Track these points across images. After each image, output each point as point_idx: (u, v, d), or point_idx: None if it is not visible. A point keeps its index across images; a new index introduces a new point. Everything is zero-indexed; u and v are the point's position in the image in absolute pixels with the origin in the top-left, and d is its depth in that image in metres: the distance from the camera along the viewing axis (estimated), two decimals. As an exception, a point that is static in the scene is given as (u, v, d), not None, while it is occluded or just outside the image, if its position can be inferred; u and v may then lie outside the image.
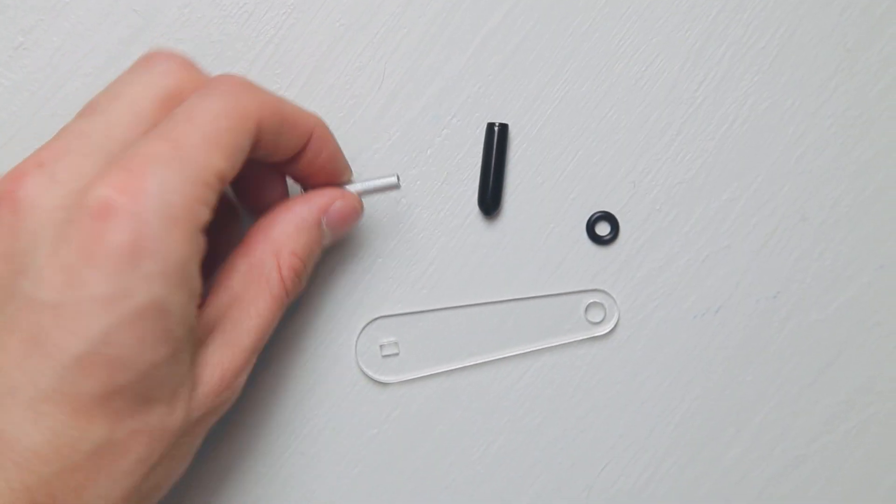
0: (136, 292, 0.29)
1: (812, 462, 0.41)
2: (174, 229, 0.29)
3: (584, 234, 0.41)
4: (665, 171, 0.42)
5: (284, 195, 0.38)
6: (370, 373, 0.41)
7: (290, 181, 0.38)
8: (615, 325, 0.41)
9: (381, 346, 0.41)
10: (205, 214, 0.31)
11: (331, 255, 0.41)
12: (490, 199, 0.41)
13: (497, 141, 0.41)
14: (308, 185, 0.37)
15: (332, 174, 0.37)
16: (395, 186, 0.38)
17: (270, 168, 0.37)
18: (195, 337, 0.32)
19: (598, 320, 0.41)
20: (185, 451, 0.34)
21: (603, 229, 0.42)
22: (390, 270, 0.41)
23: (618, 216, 0.41)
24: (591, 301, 0.41)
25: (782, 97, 0.42)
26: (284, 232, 0.35)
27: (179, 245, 0.30)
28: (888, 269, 0.41)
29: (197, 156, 0.31)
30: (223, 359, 0.33)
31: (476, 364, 0.41)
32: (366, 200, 0.39)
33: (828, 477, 0.41)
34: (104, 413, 0.29)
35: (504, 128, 0.41)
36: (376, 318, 0.41)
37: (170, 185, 0.30)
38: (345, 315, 0.41)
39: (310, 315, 0.41)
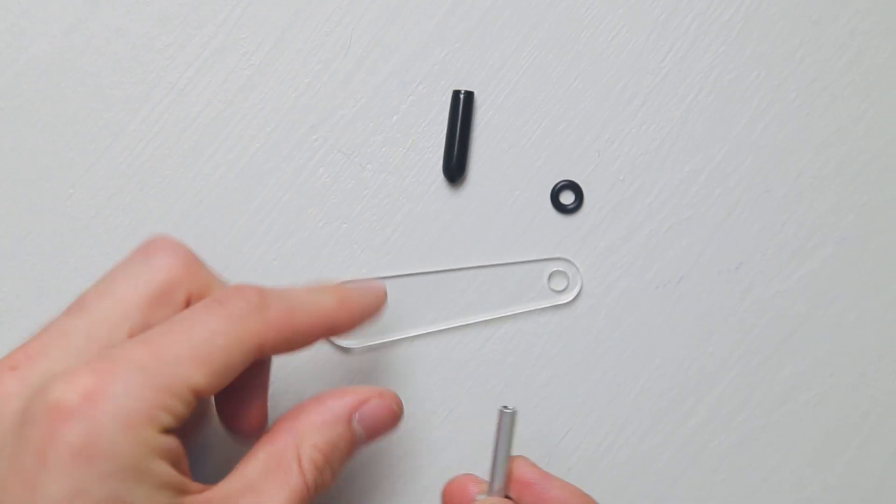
0: (92, 491, 0.29)
1: (772, 432, 0.41)
2: (128, 433, 0.29)
3: (549, 203, 0.42)
4: (630, 141, 0.42)
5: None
6: (333, 338, 0.41)
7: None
8: (578, 294, 0.42)
9: (344, 311, 0.41)
10: (168, 421, 0.30)
11: (294, 221, 0.41)
12: (455, 167, 0.41)
13: (462, 108, 0.41)
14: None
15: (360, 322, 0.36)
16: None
17: None
18: None
19: (560, 289, 0.42)
20: None
21: (567, 198, 0.42)
22: (355, 235, 0.42)
23: (582, 185, 0.42)
24: (554, 270, 0.42)
25: (747, 69, 0.42)
26: (310, 423, 0.34)
27: (133, 447, 0.29)
28: (850, 242, 0.42)
29: (175, 369, 0.30)
30: None
31: (439, 330, 0.42)
32: (319, 166, 0.39)
33: (787, 447, 0.41)
34: None
35: (469, 95, 0.41)
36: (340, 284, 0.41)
37: (133, 391, 0.29)
38: (309, 280, 0.41)
39: (272, 281, 0.41)
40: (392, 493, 0.41)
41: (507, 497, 0.34)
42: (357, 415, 0.35)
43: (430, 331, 0.42)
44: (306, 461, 0.33)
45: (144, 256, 0.34)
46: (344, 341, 0.41)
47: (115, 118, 0.42)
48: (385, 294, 0.37)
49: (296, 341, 0.34)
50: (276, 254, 0.41)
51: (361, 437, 0.35)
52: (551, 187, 0.42)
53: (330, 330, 0.35)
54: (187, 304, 0.33)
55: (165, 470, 0.30)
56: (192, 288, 0.34)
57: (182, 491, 0.31)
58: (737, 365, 0.42)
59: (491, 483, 0.34)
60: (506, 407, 0.34)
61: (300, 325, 0.33)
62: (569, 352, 0.42)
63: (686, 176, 0.42)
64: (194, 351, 0.31)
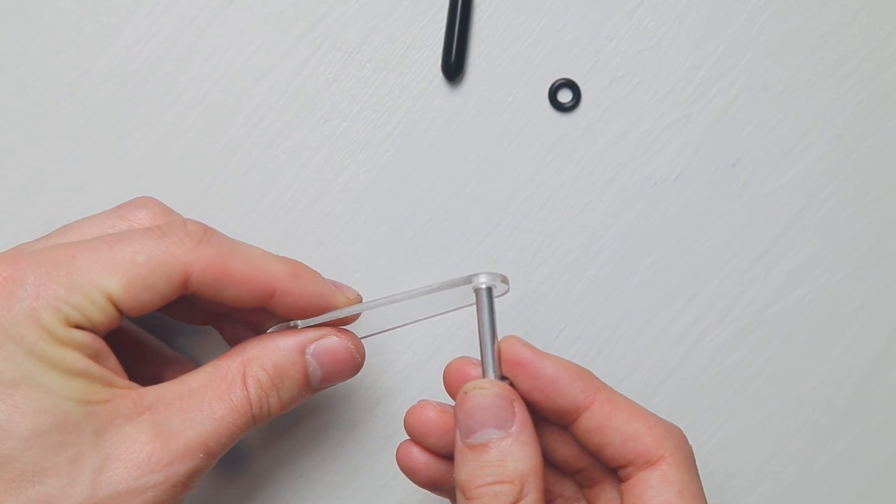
0: (2, 369, 0.30)
1: (764, 328, 0.42)
2: (33, 320, 0.31)
3: (547, 101, 0.42)
4: (628, 38, 0.42)
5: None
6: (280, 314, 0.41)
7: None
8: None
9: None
10: (76, 317, 0.31)
11: (293, 120, 0.42)
12: (454, 65, 0.41)
13: (461, 6, 0.41)
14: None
15: (315, 311, 0.35)
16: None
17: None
18: (106, 412, 0.32)
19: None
20: None
21: (565, 96, 0.42)
22: (354, 133, 0.42)
23: (580, 84, 0.42)
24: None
25: (746, -34, 0.42)
26: (261, 346, 0.35)
27: (38, 333, 0.31)
28: (845, 140, 0.42)
29: (89, 272, 0.32)
30: (151, 441, 0.32)
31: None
32: (320, 64, 0.40)
33: (778, 344, 0.42)
34: None
35: (468, -8, 0.41)
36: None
37: (43, 284, 0.31)
38: (312, 177, 0.42)
39: (273, 176, 0.42)
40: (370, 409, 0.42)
41: (503, 378, 0.33)
42: (312, 347, 0.35)
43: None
44: (251, 379, 0.34)
45: (119, 210, 0.36)
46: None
47: (111, 21, 0.42)
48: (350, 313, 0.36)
49: (227, 287, 0.33)
50: (277, 151, 0.42)
51: (316, 371, 0.35)
52: (549, 85, 0.42)
53: (267, 293, 0.34)
54: None
55: (79, 360, 0.31)
56: None
57: (108, 384, 0.32)
58: (731, 262, 0.42)
59: (484, 366, 0.33)
60: (481, 283, 0.33)
61: (234, 271, 0.33)
62: (565, 249, 0.42)
63: (684, 73, 0.42)
64: (113, 260, 0.32)
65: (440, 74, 0.42)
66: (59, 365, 0.31)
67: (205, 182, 0.42)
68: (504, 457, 0.31)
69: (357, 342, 0.36)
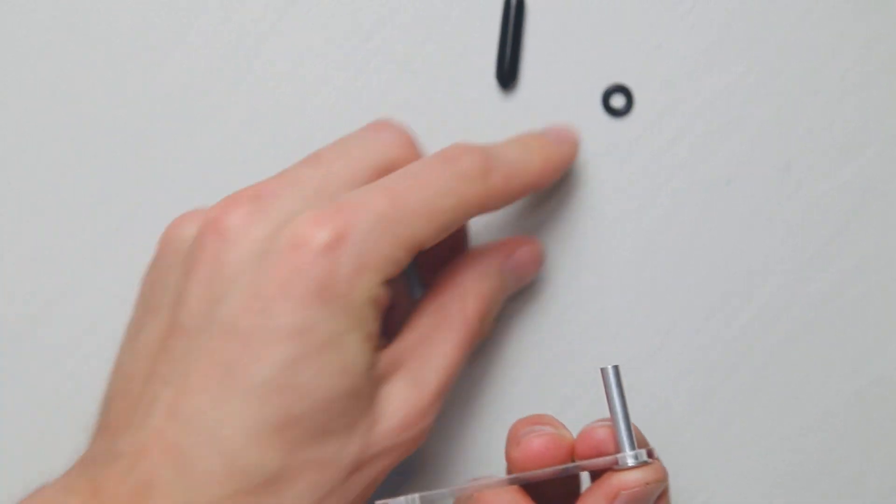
0: (321, 328, 0.31)
1: (820, 328, 0.42)
2: (363, 277, 0.31)
3: (600, 106, 0.42)
4: (679, 43, 0.42)
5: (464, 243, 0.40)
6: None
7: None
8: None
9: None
10: (394, 273, 0.32)
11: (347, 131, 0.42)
12: (507, 72, 0.42)
13: (515, 12, 0.42)
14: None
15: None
16: None
17: None
18: (377, 374, 0.33)
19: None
20: (358, 488, 0.33)
21: (618, 101, 0.42)
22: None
23: (632, 88, 0.42)
24: (606, 172, 0.43)
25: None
26: (470, 278, 0.36)
27: (365, 292, 0.31)
28: (897, 140, 0.43)
29: (409, 221, 0.32)
30: (409, 396, 0.34)
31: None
32: (374, 74, 0.40)
33: (835, 342, 0.42)
34: (280, 441, 0.30)
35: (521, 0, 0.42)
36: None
37: (373, 238, 0.32)
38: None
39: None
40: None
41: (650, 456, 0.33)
42: (509, 262, 0.38)
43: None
44: (471, 311, 0.36)
45: (374, 132, 0.37)
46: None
47: (169, 33, 0.42)
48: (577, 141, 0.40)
49: (504, 206, 0.36)
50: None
51: (511, 284, 0.38)
52: (602, 91, 0.42)
53: (532, 191, 0.38)
54: None
55: (376, 321, 0.32)
56: None
57: (375, 346, 0.33)
58: (785, 262, 0.42)
59: (621, 442, 0.32)
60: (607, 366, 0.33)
61: (514, 191, 0.36)
62: (618, 253, 0.42)
63: (735, 78, 0.42)
64: (426, 206, 0.33)
65: (493, 82, 0.42)
66: (362, 326, 0.32)
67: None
68: None
69: (540, 246, 0.40)
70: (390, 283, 0.33)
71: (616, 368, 0.32)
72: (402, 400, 0.33)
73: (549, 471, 0.32)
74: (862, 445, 0.42)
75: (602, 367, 0.32)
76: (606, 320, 0.42)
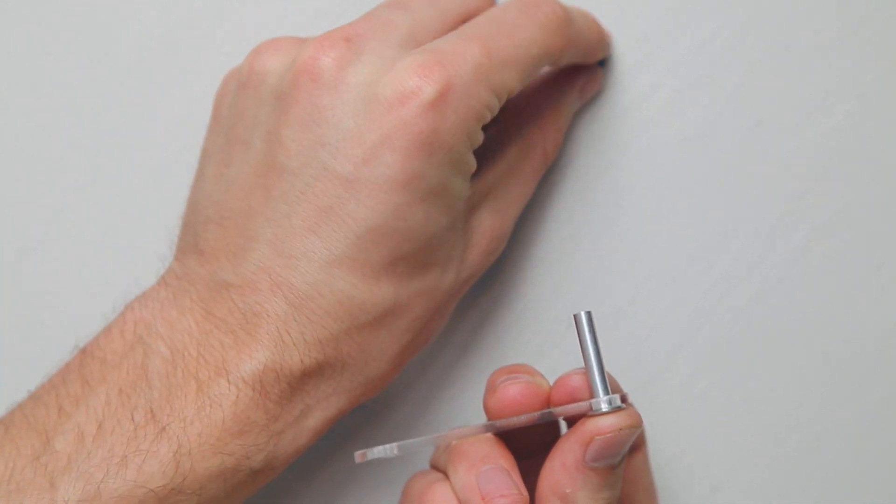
0: (428, 176, 0.32)
1: (789, 283, 0.42)
2: (465, 127, 0.33)
3: (571, 63, 0.42)
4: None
5: None
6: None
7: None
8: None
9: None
10: (488, 118, 0.34)
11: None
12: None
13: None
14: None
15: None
16: None
17: None
18: (469, 206, 0.36)
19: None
20: (449, 309, 0.37)
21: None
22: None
23: (604, 45, 0.42)
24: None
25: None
26: (549, 112, 0.39)
27: (466, 140, 0.33)
28: (870, 99, 0.42)
29: (502, 71, 0.34)
30: (494, 223, 0.37)
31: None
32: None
33: (801, 303, 0.42)
34: (390, 277, 0.33)
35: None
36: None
37: (473, 89, 0.33)
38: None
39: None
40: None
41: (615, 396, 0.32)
42: (579, 92, 0.40)
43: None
44: (550, 143, 0.39)
45: None
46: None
47: None
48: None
49: (576, 61, 0.38)
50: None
51: (577, 104, 0.40)
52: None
53: (592, 59, 0.40)
54: None
55: (472, 162, 0.34)
56: None
57: (469, 182, 0.35)
58: (756, 218, 0.42)
59: (595, 387, 0.32)
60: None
61: (585, 45, 0.38)
62: (587, 210, 0.43)
63: (707, 34, 0.42)
64: (517, 56, 0.34)
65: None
66: (464, 169, 0.34)
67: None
68: (618, 479, 0.33)
69: (598, 70, 0.41)
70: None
71: (589, 314, 0.32)
72: (489, 227, 0.36)
73: (524, 418, 0.33)
74: (831, 403, 0.42)
75: (575, 313, 0.33)
76: (572, 283, 0.43)
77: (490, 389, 0.34)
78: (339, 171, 0.32)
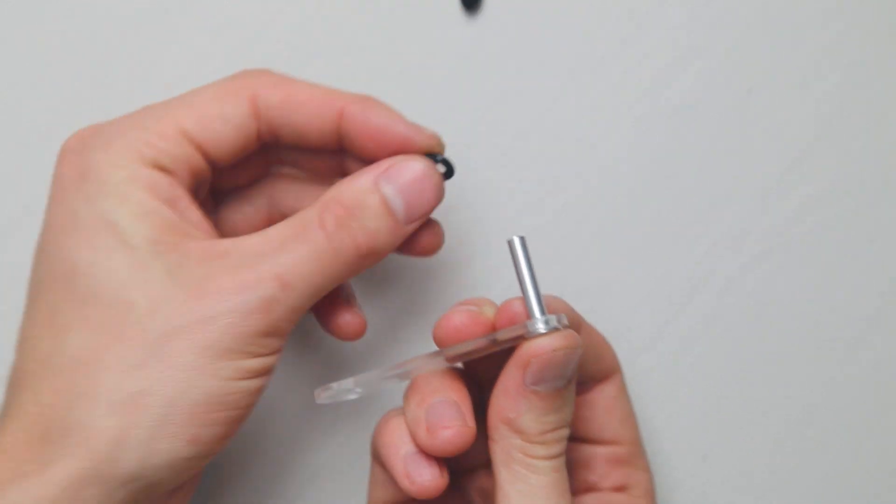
0: (80, 211, 0.32)
1: (779, 254, 0.43)
2: (111, 161, 0.33)
3: (564, 32, 0.42)
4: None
5: None
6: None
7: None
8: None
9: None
10: (152, 155, 0.33)
11: (311, 54, 0.42)
12: (471, -5, 0.42)
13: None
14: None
15: (394, 148, 0.34)
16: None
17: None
18: (173, 255, 0.32)
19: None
20: (180, 355, 0.32)
21: (581, 26, 0.42)
22: (368, 64, 0.42)
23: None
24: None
25: None
26: (334, 188, 0.34)
27: (114, 171, 0.33)
28: (860, 68, 0.42)
29: (163, 113, 0.33)
30: (223, 276, 0.32)
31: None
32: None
33: (791, 273, 0.43)
34: (83, 323, 0.32)
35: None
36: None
37: (121, 130, 0.33)
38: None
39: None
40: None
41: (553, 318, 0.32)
42: (384, 174, 0.34)
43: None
44: (328, 215, 0.33)
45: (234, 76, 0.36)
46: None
47: None
48: (437, 142, 0.35)
49: (295, 110, 0.34)
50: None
51: (396, 200, 0.33)
52: (566, 15, 0.42)
53: (336, 114, 0.34)
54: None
55: (151, 202, 0.32)
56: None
57: (180, 231, 0.33)
58: (747, 188, 0.43)
59: (532, 309, 0.32)
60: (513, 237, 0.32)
61: (300, 91, 0.34)
62: (581, 180, 0.43)
63: (699, 2, 0.42)
64: (182, 100, 0.34)
65: (458, 5, 0.42)
66: (130, 203, 0.32)
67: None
68: (566, 403, 0.33)
69: (429, 163, 0.34)
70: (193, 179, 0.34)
71: (522, 239, 0.32)
72: (207, 279, 0.32)
73: (470, 344, 0.33)
74: (821, 373, 0.43)
75: (508, 238, 0.32)
76: (564, 251, 0.43)
77: (438, 321, 0.34)
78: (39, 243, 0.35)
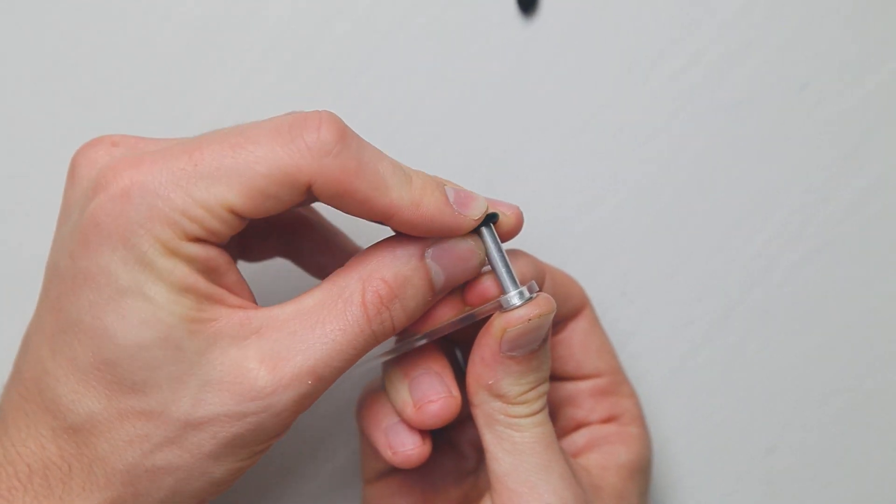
0: (116, 273, 0.30)
1: (837, 246, 0.43)
2: (149, 227, 0.30)
3: (617, 31, 0.43)
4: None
5: None
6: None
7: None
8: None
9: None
10: (194, 230, 0.30)
11: (368, 56, 0.43)
12: (526, -3, 0.42)
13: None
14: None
15: (436, 233, 0.33)
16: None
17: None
18: (211, 332, 0.31)
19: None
20: (203, 446, 0.31)
21: (635, 25, 0.43)
22: (424, 66, 0.43)
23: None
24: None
25: None
26: (378, 258, 0.32)
27: (149, 241, 0.30)
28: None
29: (209, 183, 0.30)
30: (259, 368, 0.31)
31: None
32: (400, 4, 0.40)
33: (850, 262, 0.43)
34: (98, 385, 0.31)
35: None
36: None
37: (162, 192, 0.30)
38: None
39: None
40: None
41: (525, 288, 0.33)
42: (431, 251, 0.32)
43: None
44: (370, 294, 0.32)
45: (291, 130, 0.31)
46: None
47: None
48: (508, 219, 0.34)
49: (346, 204, 0.31)
50: (347, 89, 0.43)
51: (438, 274, 0.33)
52: (619, 14, 0.43)
53: (386, 216, 0.31)
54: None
55: (189, 275, 0.31)
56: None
57: (217, 301, 0.31)
58: (802, 181, 0.43)
59: (505, 284, 0.33)
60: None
61: (356, 192, 0.31)
62: (637, 176, 0.43)
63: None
64: (234, 170, 0.30)
65: (514, 7, 0.43)
66: (167, 278, 0.30)
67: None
68: (543, 362, 0.33)
69: (474, 239, 0.33)
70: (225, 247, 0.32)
71: (490, 227, 0.33)
72: (247, 368, 0.31)
73: (447, 323, 0.34)
74: (880, 362, 0.43)
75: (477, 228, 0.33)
76: (623, 243, 0.43)
77: None
78: (58, 267, 0.32)
